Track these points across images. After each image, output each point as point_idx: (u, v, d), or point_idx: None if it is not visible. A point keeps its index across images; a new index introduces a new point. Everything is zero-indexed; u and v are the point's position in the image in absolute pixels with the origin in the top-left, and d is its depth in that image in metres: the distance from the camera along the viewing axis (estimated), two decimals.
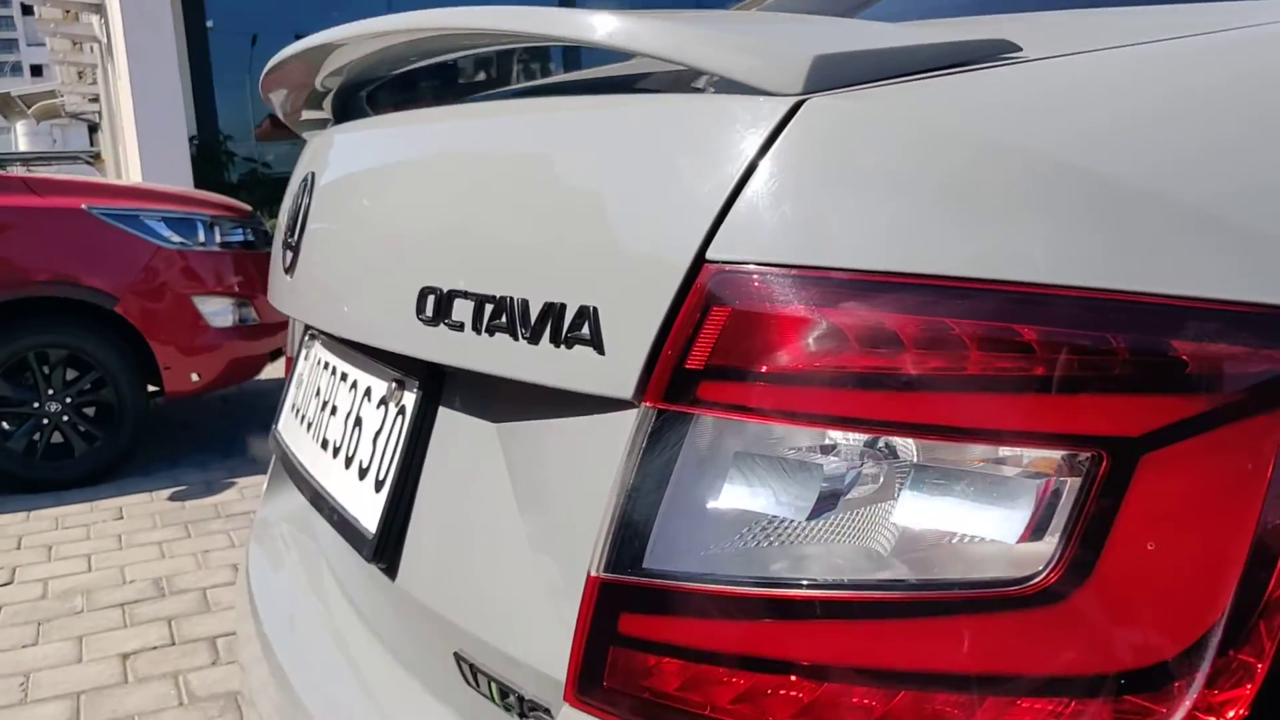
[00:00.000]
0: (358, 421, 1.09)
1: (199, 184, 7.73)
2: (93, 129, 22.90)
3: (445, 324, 0.83)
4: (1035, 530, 0.56)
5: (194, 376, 4.43)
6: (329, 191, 1.13)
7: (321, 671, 1.09)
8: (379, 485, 1.00)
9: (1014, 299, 0.57)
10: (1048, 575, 0.56)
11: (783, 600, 0.62)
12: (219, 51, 9.23)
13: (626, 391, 0.68)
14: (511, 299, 0.76)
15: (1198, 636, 0.54)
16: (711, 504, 0.65)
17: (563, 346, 0.72)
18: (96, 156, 16.85)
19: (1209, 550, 0.54)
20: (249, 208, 5.09)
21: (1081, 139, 0.61)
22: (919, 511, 0.59)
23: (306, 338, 1.39)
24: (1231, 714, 0.53)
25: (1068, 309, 0.56)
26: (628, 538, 0.68)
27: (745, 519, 0.64)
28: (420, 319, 0.86)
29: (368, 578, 1.10)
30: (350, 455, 1.08)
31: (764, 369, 0.63)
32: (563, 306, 0.72)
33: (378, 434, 1.03)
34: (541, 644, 0.77)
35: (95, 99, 17.78)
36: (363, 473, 1.04)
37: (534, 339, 0.75)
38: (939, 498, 0.59)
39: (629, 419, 0.70)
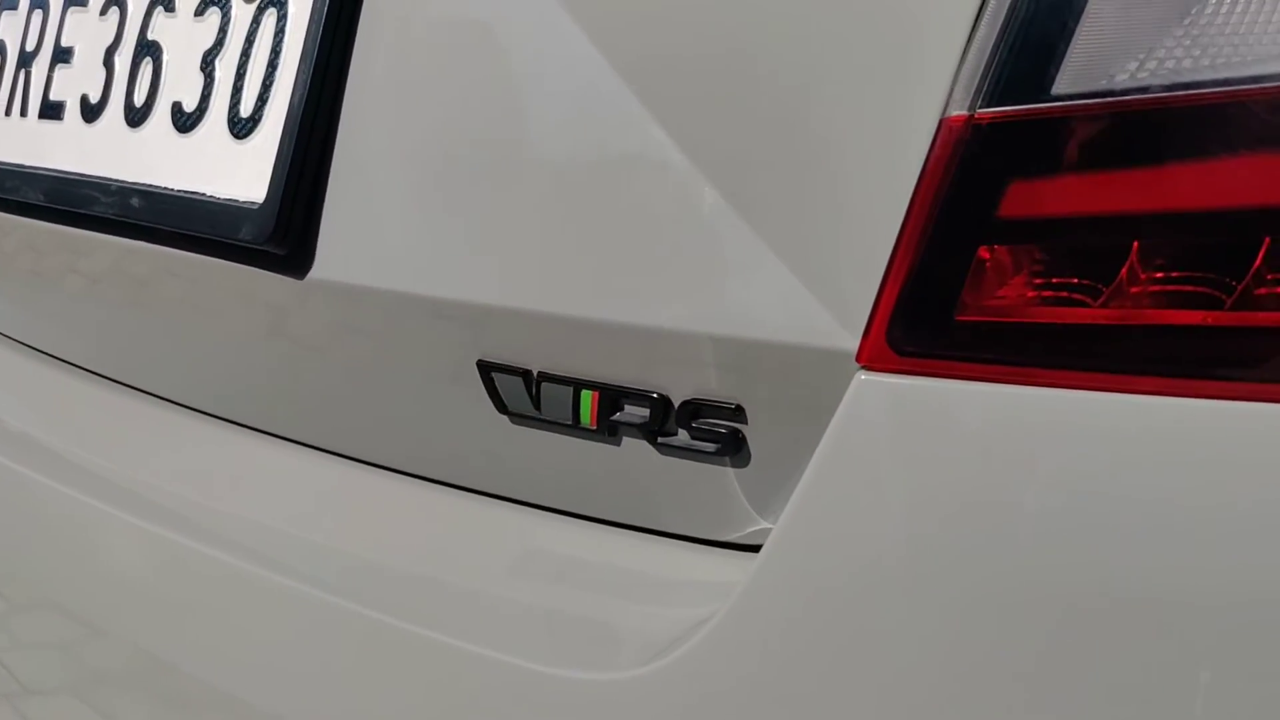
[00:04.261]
0: (146, 49, 0.65)
1: None
2: None
3: None
4: None
5: None
6: None
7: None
8: (242, 126, 0.59)
9: None
10: None
11: None
12: None
13: None
14: None
15: None
16: None
17: None
18: None
19: None
20: None
21: None
22: None
23: None
24: None
25: None
26: (1034, 39, 0.38)
27: None
28: None
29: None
30: (142, 104, 0.64)
31: None
32: None
33: (211, 55, 0.61)
34: (748, 292, 0.45)
35: None
36: (189, 120, 0.62)
37: None
38: None
39: None
